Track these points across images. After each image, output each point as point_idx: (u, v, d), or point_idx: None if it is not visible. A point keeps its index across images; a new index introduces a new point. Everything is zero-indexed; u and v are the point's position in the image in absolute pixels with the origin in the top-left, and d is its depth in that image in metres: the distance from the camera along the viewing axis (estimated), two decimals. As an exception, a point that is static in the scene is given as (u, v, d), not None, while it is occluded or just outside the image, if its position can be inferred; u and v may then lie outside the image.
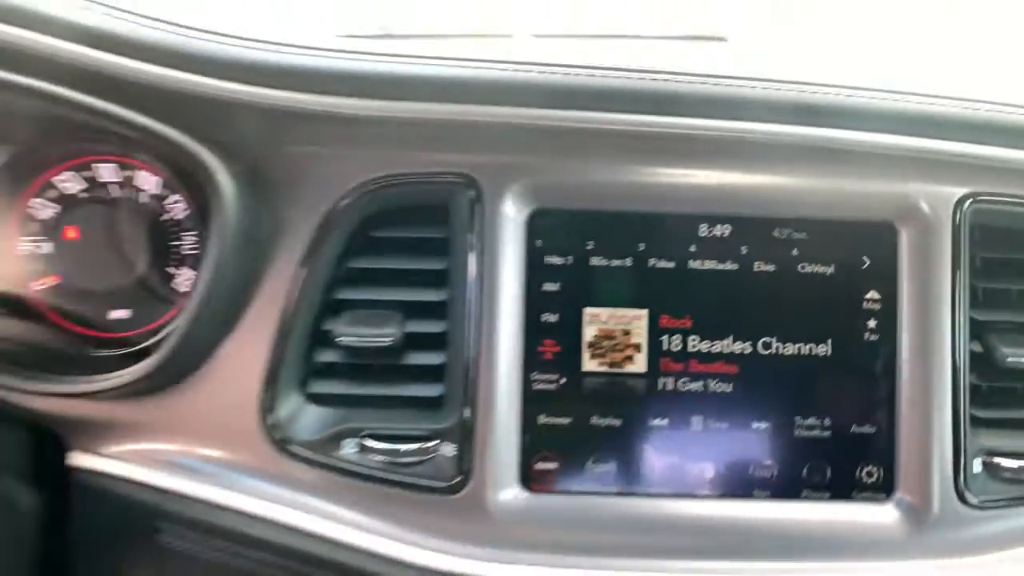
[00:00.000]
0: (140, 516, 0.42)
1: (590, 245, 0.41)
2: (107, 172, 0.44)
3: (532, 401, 0.41)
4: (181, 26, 0.38)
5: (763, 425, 0.41)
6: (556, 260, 0.41)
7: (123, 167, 0.44)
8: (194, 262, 0.44)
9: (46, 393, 0.40)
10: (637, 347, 0.41)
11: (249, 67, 0.37)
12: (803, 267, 0.41)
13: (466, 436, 0.39)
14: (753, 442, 0.41)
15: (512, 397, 0.40)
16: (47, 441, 0.44)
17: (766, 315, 0.41)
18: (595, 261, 0.41)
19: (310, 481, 0.40)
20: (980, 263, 0.41)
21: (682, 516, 0.40)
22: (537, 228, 0.41)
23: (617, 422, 0.41)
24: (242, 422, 0.40)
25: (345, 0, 0.58)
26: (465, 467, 0.39)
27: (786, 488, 0.41)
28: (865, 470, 0.41)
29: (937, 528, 0.40)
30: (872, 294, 0.41)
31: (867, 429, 0.41)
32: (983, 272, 0.41)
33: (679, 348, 0.41)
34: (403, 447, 0.40)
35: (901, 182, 0.40)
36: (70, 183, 0.44)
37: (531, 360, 0.41)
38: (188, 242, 0.45)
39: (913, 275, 0.41)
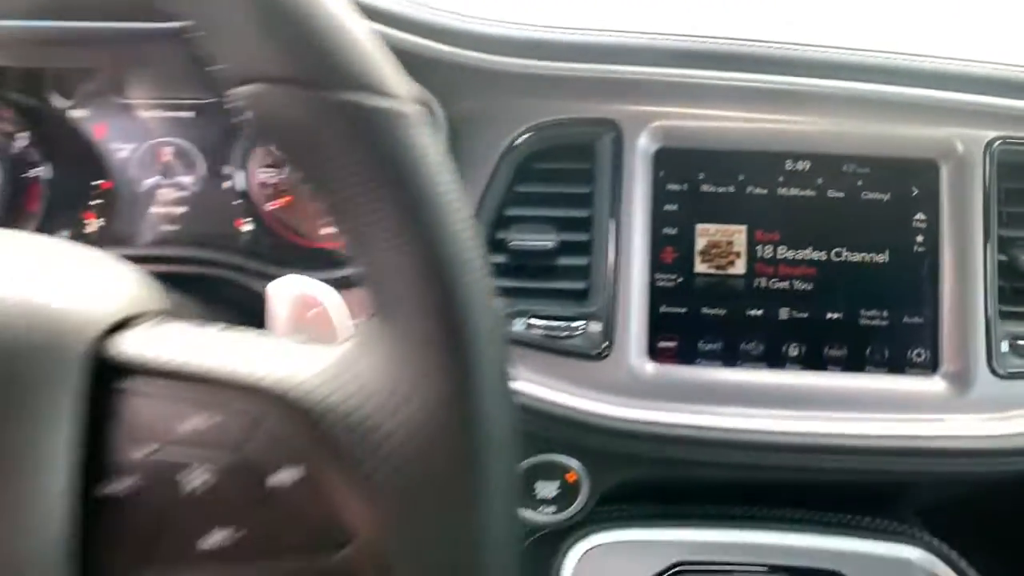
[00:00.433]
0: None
1: (701, 176, 0.53)
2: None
3: (656, 294, 0.53)
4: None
5: (835, 315, 0.53)
6: (675, 187, 0.53)
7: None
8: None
9: None
10: (738, 254, 0.53)
11: (469, 36, 0.50)
12: (865, 194, 0.53)
13: (608, 319, 0.51)
14: (827, 328, 0.53)
15: (642, 291, 0.52)
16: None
17: (837, 231, 0.53)
18: (705, 188, 0.53)
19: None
20: (1004, 193, 0.53)
21: (772, 383, 0.52)
22: (661, 162, 0.53)
23: (722, 312, 0.53)
24: None
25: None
26: (608, 340, 0.51)
27: (853, 363, 0.53)
28: (915, 351, 0.53)
29: (973, 393, 0.51)
30: (919, 216, 0.53)
31: (916, 320, 0.53)
32: (1006, 199, 0.53)
33: (770, 255, 0.53)
34: (559, 323, 0.52)
35: (942, 128, 0.52)
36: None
37: (655, 263, 0.53)
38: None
39: (951, 201, 0.53)
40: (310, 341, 0.26)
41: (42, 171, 0.55)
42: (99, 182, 0.56)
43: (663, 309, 0.53)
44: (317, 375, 0.23)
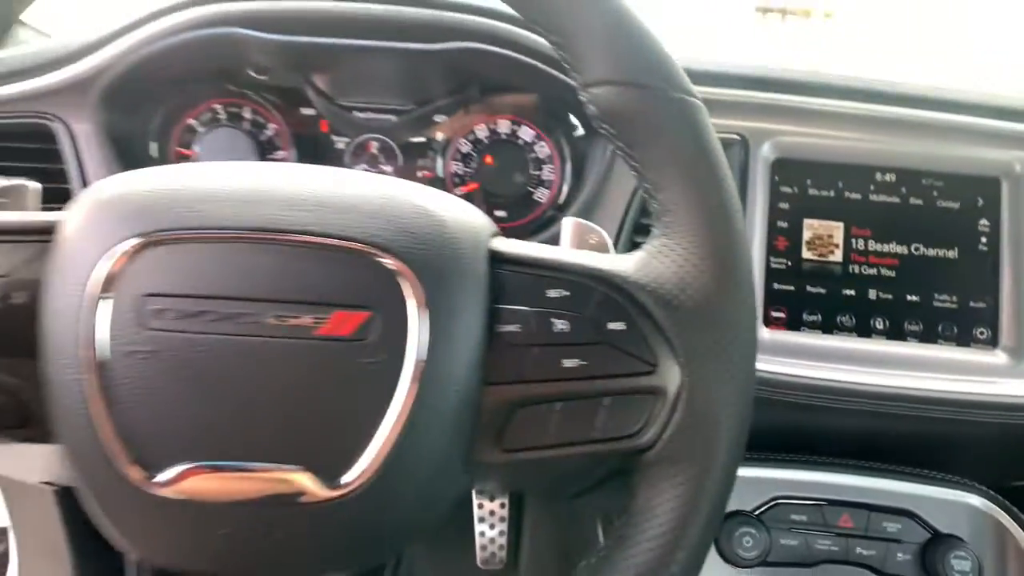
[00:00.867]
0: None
1: (809, 181, 0.66)
2: (504, 126, 0.71)
3: (770, 274, 0.66)
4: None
5: (913, 297, 0.66)
6: (787, 189, 0.66)
7: (513, 123, 0.71)
8: (548, 184, 0.71)
9: None
10: (836, 245, 0.66)
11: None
12: (939, 202, 0.66)
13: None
14: (907, 307, 0.66)
15: (759, 271, 0.65)
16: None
17: (916, 230, 0.66)
18: (811, 191, 0.66)
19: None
20: (1054, 206, 0.66)
21: (861, 348, 0.64)
22: (778, 169, 0.66)
23: (822, 290, 0.66)
24: None
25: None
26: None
27: (927, 337, 0.65)
28: (978, 330, 0.65)
29: (1027, 364, 0.64)
30: (983, 221, 0.66)
31: (980, 304, 0.65)
32: (1055, 211, 0.66)
33: (862, 248, 0.66)
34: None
35: (1004, 151, 0.66)
36: (483, 134, 0.71)
37: (770, 249, 0.66)
38: (546, 171, 0.71)
39: (1010, 211, 0.65)
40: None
41: (285, 155, 0.69)
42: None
43: (775, 286, 0.66)
44: (629, 267, 0.36)
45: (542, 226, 0.70)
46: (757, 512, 0.66)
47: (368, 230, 0.33)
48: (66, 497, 0.62)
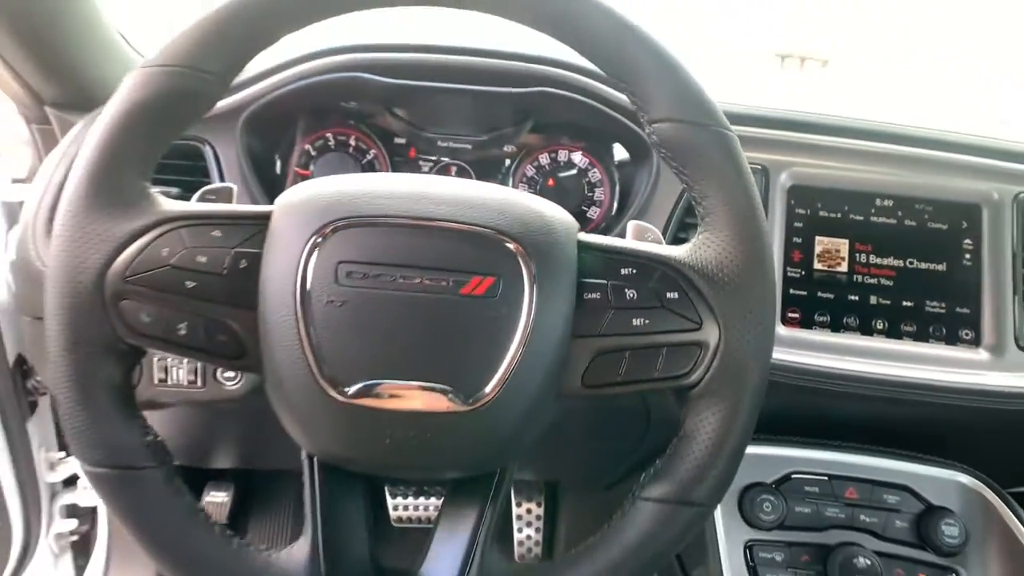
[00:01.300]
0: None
1: (819, 205, 0.79)
2: (563, 154, 0.85)
3: (787, 282, 0.78)
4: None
5: (908, 303, 0.78)
6: (801, 211, 0.79)
7: (570, 152, 0.85)
8: (599, 203, 0.84)
9: None
10: (843, 258, 0.79)
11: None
12: (930, 224, 0.79)
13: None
14: (903, 311, 0.78)
15: (778, 279, 0.78)
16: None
17: (910, 246, 0.78)
18: (821, 213, 0.79)
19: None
20: (1025, 229, 0.79)
21: (864, 345, 0.76)
22: (793, 194, 0.79)
23: (831, 296, 0.78)
24: None
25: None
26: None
27: (920, 336, 0.77)
28: (964, 332, 0.77)
29: (1005, 360, 0.75)
30: (967, 241, 0.78)
31: (965, 310, 0.77)
32: (1027, 233, 0.78)
33: (865, 261, 0.78)
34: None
35: (984, 183, 0.78)
36: (545, 161, 0.85)
37: (787, 260, 0.78)
38: (597, 193, 0.85)
39: (989, 232, 0.78)
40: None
41: (382, 175, 0.83)
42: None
43: (791, 292, 0.78)
44: (681, 253, 0.49)
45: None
46: (775, 484, 0.78)
47: (495, 221, 0.46)
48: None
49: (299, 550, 0.49)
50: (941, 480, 0.78)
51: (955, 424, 0.78)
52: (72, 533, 1.14)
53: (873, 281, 0.78)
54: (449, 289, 0.45)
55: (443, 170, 0.85)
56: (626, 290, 0.48)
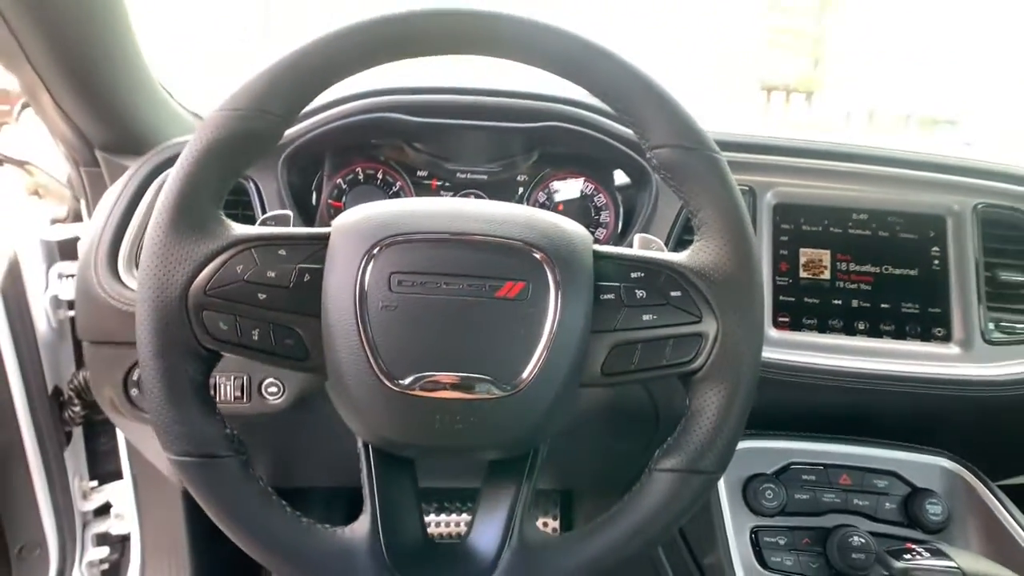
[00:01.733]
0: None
1: (802, 220, 0.88)
2: (571, 182, 0.94)
3: (777, 289, 0.86)
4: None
5: (886, 305, 0.86)
6: (786, 226, 0.88)
7: (576, 179, 0.94)
8: (605, 224, 0.93)
9: None
10: (825, 267, 0.87)
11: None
12: (901, 234, 0.88)
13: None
14: (881, 313, 0.86)
15: (768, 288, 0.86)
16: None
17: (886, 254, 0.87)
18: (804, 228, 0.88)
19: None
20: (984, 236, 0.87)
21: (847, 344, 0.85)
22: (778, 211, 0.88)
23: (816, 301, 0.87)
24: None
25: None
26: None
27: (898, 334, 0.86)
28: (936, 329, 0.86)
29: (973, 354, 0.84)
30: (935, 248, 0.87)
31: (936, 310, 0.86)
32: (986, 239, 0.87)
33: (845, 268, 0.87)
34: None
35: (946, 196, 0.88)
36: (555, 187, 0.94)
37: (776, 270, 0.87)
38: (603, 216, 0.94)
39: (954, 240, 0.87)
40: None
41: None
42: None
43: (781, 298, 0.87)
44: (682, 258, 0.57)
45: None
46: (776, 473, 0.85)
47: (523, 234, 0.55)
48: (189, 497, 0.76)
49: (360, 526, 0.56)
50: (925, 465, 0.85)
51: (932, 412, 0.86)
52: (103, 561, 1.19)
53: (854, 287, 0.87)
54: (486, 293, 0.52)
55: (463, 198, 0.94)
56: (636, 291, 0.56)
